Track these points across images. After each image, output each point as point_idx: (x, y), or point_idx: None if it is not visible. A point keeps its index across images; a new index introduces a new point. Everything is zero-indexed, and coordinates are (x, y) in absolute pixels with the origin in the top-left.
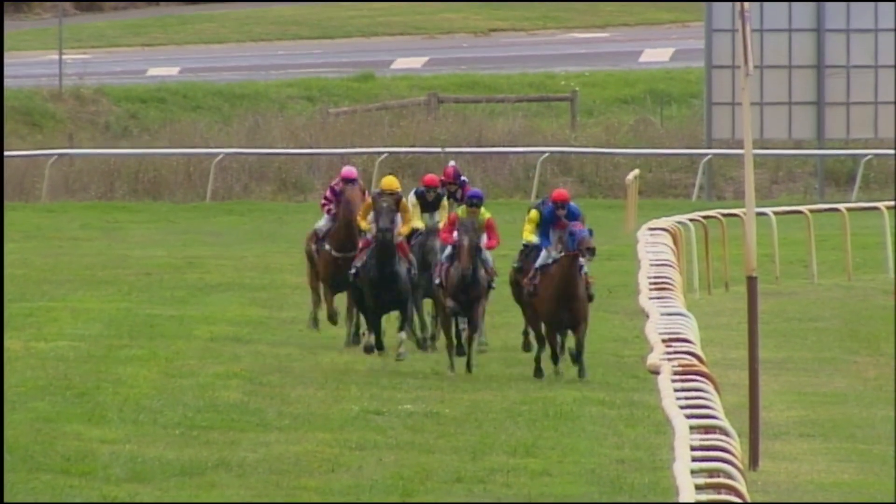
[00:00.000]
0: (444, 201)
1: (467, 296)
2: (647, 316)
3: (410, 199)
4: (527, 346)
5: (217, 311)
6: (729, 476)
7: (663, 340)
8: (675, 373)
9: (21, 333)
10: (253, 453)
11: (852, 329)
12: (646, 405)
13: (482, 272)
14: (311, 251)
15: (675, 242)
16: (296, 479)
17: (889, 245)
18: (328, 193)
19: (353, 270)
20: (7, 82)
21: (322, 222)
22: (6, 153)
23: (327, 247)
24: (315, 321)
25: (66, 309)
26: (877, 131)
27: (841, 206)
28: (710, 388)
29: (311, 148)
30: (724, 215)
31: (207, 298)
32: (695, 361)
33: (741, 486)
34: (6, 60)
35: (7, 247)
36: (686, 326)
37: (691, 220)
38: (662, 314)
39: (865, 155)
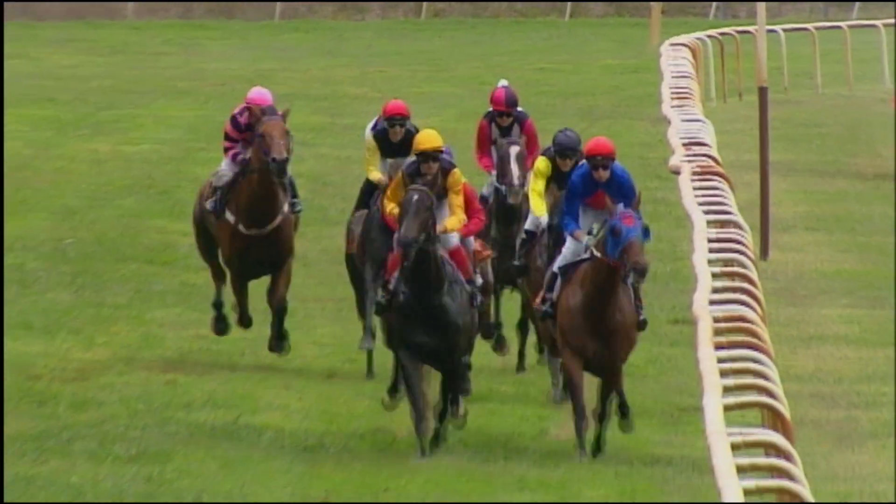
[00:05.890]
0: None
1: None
2: (669, 122)
3: (366, 139)
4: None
5: None
6: (742, 265)
7: (683, 144)
8: (694, 173)
9: (109, 138)
10: (317, 245)
11: (853, 134)
12: (668, 202)
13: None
14: (200, 216)
15: (694, 56)
16: None
17: (886, 59)
18: (230, 129)
19: (380, 297)
20: None
21: (223, 166)
22: None
23: (230, 216)
24: (219, 312)
25: (150, 116)
26: None
27: (843, 24)
28: (725, 186)
29: None
30: (738, 32)
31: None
32: (712, 163)
33: (753, 274)
34: None
35: (96, 60)
36: (704, 132)
37: (709, 36)
38: (683, 120)
39: None
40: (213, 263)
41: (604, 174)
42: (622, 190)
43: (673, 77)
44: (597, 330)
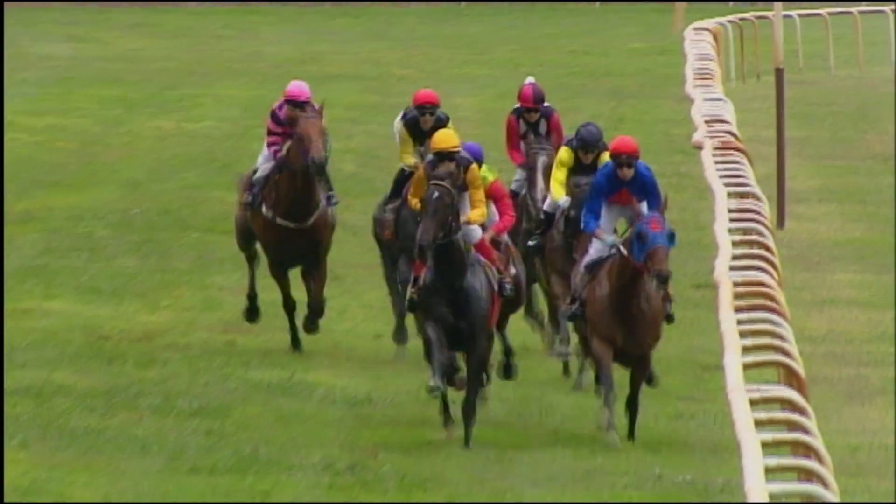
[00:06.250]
0: (450, 127)
1: (458, 315)
2: (692, 101)
3: (396, 127)
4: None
5: (335, 96)
6: (759, 234)
7: (706, 121)
8: (716, 148)
9: (173, 115)
10: (365, 215)
11: (863, 112)
12: (691, 175)
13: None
14: (241, 213)
15: (715, 40)
16: None
17: (893, 42)
18: (271, 124)
19: (411, 293)
20: None
21: (261, 160)
22: None
23: (266, 211)
24: (252, 303)
25: (210, 95)
26: None
27: (854, 9)
28: (744, 160)
29: None
30: (756, 17)
31: (327, 86)
32: (732, 139)
33: (770, 242)
34: None
35: (159, 43)
36: (724, 110)
37: (729, 21)
38: (705, 99)
39: None
40: (249, 255)
41: (628, 172)
42: (645, 188)
43: (696, 59)
44: (623, 319)
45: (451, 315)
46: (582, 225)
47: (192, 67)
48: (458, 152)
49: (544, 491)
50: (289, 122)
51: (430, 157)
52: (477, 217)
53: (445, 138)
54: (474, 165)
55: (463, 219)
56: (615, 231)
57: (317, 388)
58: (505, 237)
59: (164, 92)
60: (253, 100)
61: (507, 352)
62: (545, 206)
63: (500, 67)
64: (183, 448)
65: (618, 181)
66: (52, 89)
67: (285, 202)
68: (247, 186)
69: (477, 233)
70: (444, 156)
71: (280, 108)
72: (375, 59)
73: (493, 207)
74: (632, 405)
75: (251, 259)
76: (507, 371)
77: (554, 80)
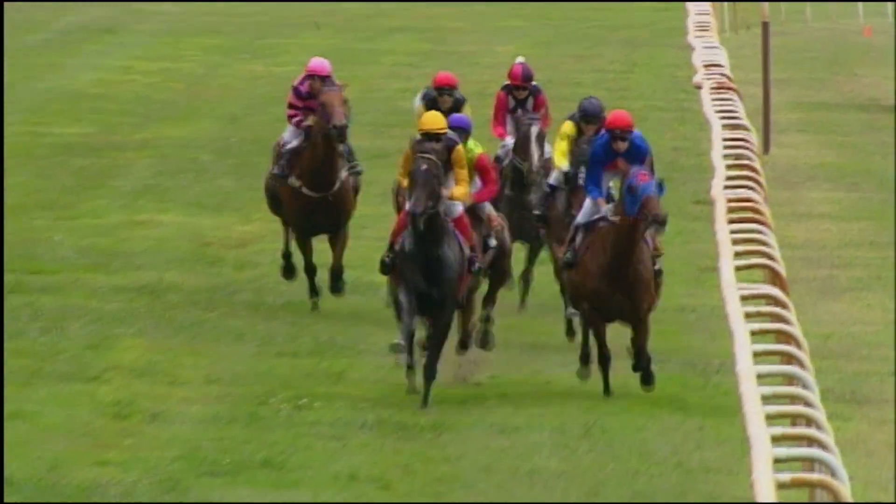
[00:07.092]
0: (467, 109)
1: (430, 283)
2: (693, 49)
3: (415, 106)
4: (570, 331)
5: (397, 45)
6: (749, 159)
7: (704, 65)
8: (712, 88)
9: (263, 61)
10: None
11: (835, 58)
12: (692, 110)
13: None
14: (271, 181)
15: None
16: None
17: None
18: (292, 98)
19: (388, 257)
20: None
21: (287, 135)
22: None
23: (294, 181)
24: (287, 261)
25: (295, 44)
26: None
27: None
28: (736, 97)
29: None
30: None
31: (389, 37)
32: (726, 80)
33: (757, 165)
34: None
35: (253, 4)
36: (720, 56)
37: None
38: (703, 47)
39: None
40: (284, 219)
41: (622, 145)
42: (639, 156)
43: (696, 13)
44: (619, 285)
45: (423, 282)
46: (586, 194)
47: (279, 21)
48: (444, 134)
49: (569, 371)
50: (311, 95)
51: (417, 136)
52: (460, 194)
53: (433, 120)
54: (459, 146)
55: (446, 194)
56: (609, 192)
57: (380, 287)
58: (489, 208)
59: (256, 41)
60: (330, 48)
61: (487, 319)
62: (550, 180)
63: (532, 20)
64: (271, 336)
65: (613, 152)
66: (164, 39)
67: (309, 173)
68: (277, 158)
69: (458, 208)
70: (430, 136)
71: (301, 83)
72: (430, 13)
73: (478, 179)
74: (639, 364)
75: (286, 222)
76: (485, 339)
77: (578, 31)
